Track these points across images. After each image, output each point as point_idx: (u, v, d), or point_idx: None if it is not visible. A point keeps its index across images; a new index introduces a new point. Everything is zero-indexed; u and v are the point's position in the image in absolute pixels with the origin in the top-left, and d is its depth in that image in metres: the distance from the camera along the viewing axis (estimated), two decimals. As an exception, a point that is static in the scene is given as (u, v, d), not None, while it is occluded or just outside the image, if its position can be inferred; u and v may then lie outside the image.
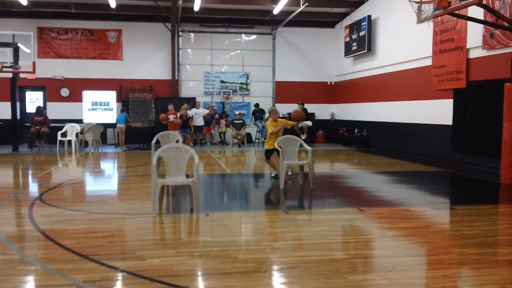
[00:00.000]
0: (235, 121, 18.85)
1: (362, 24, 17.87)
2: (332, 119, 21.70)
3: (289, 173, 10.19)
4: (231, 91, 20.81)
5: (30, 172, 11.85)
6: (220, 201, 8.30)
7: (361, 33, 18.02)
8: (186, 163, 6.98)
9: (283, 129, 9.53)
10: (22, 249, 4.98)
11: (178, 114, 16.15)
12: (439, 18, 12.12)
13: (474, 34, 11.78)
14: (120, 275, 4.17)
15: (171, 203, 7.49)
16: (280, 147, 8.86)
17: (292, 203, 7.92)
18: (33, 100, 20.06)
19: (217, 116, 19.31)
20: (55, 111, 19.31)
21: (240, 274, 4.22)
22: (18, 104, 18.46)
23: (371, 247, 5.13)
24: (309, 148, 8.95)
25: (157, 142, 10.91)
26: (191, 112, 17.81)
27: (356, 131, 18.93)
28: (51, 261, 4.56)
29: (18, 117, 18.10)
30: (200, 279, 4.13)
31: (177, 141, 10.43)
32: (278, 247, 5.08)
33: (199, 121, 18.27)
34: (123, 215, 6.62)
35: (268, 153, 9.73)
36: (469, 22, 11.61)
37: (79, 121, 18.67)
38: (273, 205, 7.86)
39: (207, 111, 18.69)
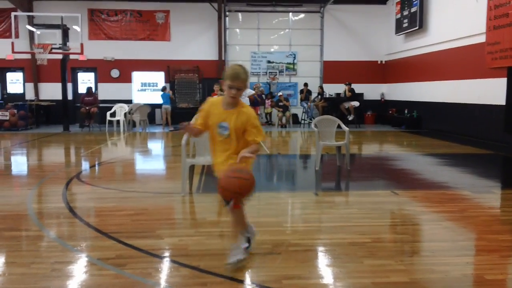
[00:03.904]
0: (280, 103, 18.67)
1: (414, -1, 17.17)
2: (382, 99, 21.09)
3: None
4: (278, 71, 20.58)
5: (75, 151, 12.21)
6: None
7: (413, 9, 17.32)
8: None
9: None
10: (47, 225, 5.09)
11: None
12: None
13: (531, 8, 11.05)
14: (134, 254, 4.18)
15: (202, 183, 7.47)
16: (315, 126, 8.65)
17: (324, 185, 7.74)
18: (85, 81, 20.65)
19: (263, 96, 19.18)
20: (106, 91, 19.87)
21: (254, 255, 4.14)
22: (70, 85, 19.14)
23: (395, 231, 4.91)
24: (346, 128, 8.69)
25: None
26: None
27: (406, 111, 18.33)
28: (71, 238, 4.65)
29: (71, 97, 18.83)
30: (212, 259, 4.07)
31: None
32: (299, 229, 4.97)
33: (244, 102, 18.19)
34: (153, 194, 6.66)
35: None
36: (525, -5, 10.89)
37: (129, 102, 19.06)
38: (305, 186, 7.70)
39: (253, 91, 18.57)
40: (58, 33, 15.38)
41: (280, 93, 18.99)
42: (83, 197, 6.47)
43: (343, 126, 8.85)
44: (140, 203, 6.15)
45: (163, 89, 18.26)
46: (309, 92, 19.33)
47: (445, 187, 7.07)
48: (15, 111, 16.91)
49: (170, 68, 20.02)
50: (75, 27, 16.00)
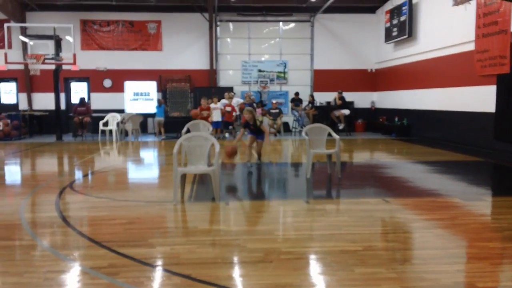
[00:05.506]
0: (271, 110, 18.75)
1: (403, 8, 17.34)
2: (373, 108, 21.23)
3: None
4: (268, 80, 20.69)
5: (68, 160, 12.20)
6: (245, 190, 8.26)
7: (402, 18, 17.51)
8: (209, 152, 7.01)
9: None
10: (40, 235, 5.10)
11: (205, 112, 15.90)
12: (482, 0, 11.60)
13: (518, 17, 11.21)
14: (126, 262, 4.20)
15: (194, 191, 7.50)
16: (306, 134, 8.71)
17: (315, 192, 7.80)
18: (78, 91, 20.65)
19: (254, 105, 19.21)
20: (98, 101, 19.87)
21: (245, 263, 4.18)
22: (63, 95, 19.20)
23: (386, 239, 4.97)
24: (337, 137, 8.76)
25: (189, 131, 10.96)
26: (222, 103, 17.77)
27: (396, 119, 18.46)
28: (64, 247, 4.66)
29: (64, 107, 18.90)
30: (204, 267, 4.11)
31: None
32: (290, 237, 5.00)
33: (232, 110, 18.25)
34: (146, 203, 6.67)
35: None
36: (512, 4, 11.06)
37: (122, 111, 19.04)
38: (296, 194, 7.74)
39: (242, 100, 18.63)
40: (50, 43, 15.44)
41: (274, 101, 19.05)
42: (76, 206, 6.47)
43: (333, 134, 8.92)
44: (133, 212, 6.17)
45: (159, 103, 18.24)
46: (300, 101, 19.44)
47: (435, 195, 7.14)
48: (9, 121, 16.88)
49: (162, 78, 20.07)
50: (67, 37, 16.06)
